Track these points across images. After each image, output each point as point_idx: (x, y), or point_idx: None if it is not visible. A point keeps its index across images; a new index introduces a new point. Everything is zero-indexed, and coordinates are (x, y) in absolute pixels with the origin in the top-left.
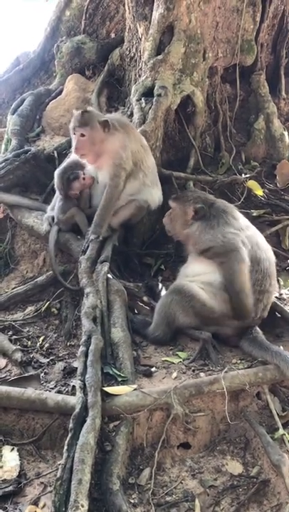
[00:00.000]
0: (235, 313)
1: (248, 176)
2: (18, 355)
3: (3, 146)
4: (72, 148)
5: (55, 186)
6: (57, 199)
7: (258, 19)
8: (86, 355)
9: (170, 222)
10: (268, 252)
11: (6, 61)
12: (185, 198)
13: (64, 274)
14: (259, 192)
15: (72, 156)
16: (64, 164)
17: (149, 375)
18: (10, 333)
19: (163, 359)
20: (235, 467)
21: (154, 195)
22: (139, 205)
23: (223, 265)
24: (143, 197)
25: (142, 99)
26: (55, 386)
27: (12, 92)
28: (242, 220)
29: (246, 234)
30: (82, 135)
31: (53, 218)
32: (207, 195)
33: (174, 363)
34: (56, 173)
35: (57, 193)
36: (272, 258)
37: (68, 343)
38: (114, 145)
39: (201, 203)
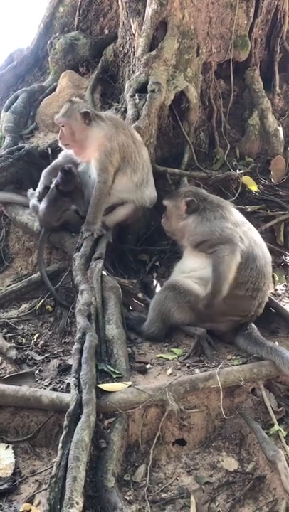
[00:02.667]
0: (208, 298)
1: (242, 171)
2: (12, 353)
3: None
4: (58, 140)
5: (40, 184)
6: (44, 199)
7: (251, 14)
8: (81, 352)
9: (166, 220)
10: (263, 250)
11: None
12: (176, 194)
13: (58, 272)
14: (253, 188)
15: (61, 155)
16: (52, 163)
17: (144, 371)
18: (4, 330)
19: (158, 356)
20: (230, 463)
21: (147, 194)
22: (136, 206)
23: (213, 253)
24: (139, 198)
25: (136, 95)
26: (50, 383)
27: (6, 89)
28: (237, 215)
29: (242, 229)
30: (63, 125)
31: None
32: (199, 190)
33: (168, 360)
34: (45, 171)
35: (37, 190)
36: (268, 256)
37: (63, 340)
38: (98, 135)
39: (191, 196)
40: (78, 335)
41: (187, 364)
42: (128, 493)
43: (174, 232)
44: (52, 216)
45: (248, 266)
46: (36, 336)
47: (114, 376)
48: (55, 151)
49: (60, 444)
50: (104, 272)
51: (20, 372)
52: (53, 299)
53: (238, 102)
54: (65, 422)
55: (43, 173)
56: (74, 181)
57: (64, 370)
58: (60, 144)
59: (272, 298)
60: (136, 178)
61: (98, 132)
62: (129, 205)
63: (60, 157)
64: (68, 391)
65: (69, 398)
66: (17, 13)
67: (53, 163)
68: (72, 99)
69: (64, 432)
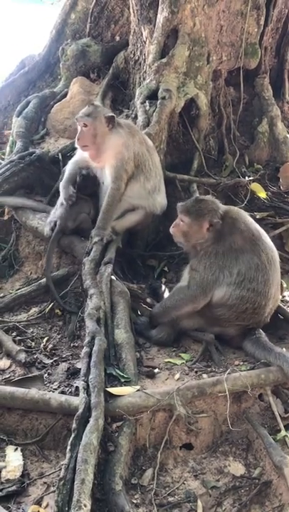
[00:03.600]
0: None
1: (251, 178)
2: (22, 356)
3: (8, 148)
4: (76, 140)
5: (61, 194)
6: (60, 205)
7: (262, 23)
8: (90, 356)
9: (180, 234)
10: (275, 259)
11: (11, 64)
12: (199, 212)
13: (68, 276)
14: (262, 194)
15: (70, 162)
16: (66, 175)
17: (152, 376)
18: (14, 334)
19: (166, 360)
20: (237, 468)
21: (159, 201)
22: (146, 213)
23: None
24: (150, 205)
25: (146, 102)
26: (59, 387)
27: (17, 95)
28: (253, 226)
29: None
30: (85, 125)
31: (55, 223)
32: (218, 204)
33: (176, 365)
34: (61, 185)
35: (60, 199)
36: (278, 265)
37: (72, 344)
38: (117, 142)
39: (216, 216)
40: (87, 339)
41: (195, 369)
42: (135, 497)
43: (186, 245)
44: (68, 217)
45: (261, 274)
46: (45, 339)
47: (123, 380)
48: (66, 156)
49: (68, 447)
50: (113, 277)
51: (30, 376)
52: (63, 302)
53: (247, 110)
54: (74, 425)
55: (61, 187)
56: (92, 185)
57: (73, 373)
58: (76, 145)
59: (281, 305)
60: (149, 185)
61: (117, 139)
62: (140, 211)
63: (70, 165)
64: (77, 394)
65: (77, 401)
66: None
67: (66, 175)
68: (94, 103)
69: (72, 435)
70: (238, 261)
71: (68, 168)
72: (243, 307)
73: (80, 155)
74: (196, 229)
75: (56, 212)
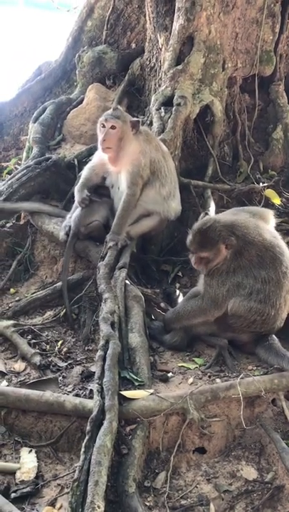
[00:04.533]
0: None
1: (265, 184)
2: (36, 359)
3: (24, 154)
4: (99, 141)
5: (76, 197)
6: (76, 209)
7: (277, 30)
8: (104, 359)
9: (205, 268)
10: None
11: (28, 70)
12: (212, 241)
13: (82, 280)
14: (276, 201)
15: (87, 167)
16: (82, 180)
17: (165, 380)
18: (29, 337)
19: (179, 365)
20: (250, 472)
21: (173, 207)
22: (161, 219)
23: None
24: (165, 210)
25: (162, 108)
26: (73, 389)
27: (34, 101)
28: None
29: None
30: (113, 127)
31: (70, 228)
32: (222, 221)
33: (190, 369)
34: (76, 189)
35: (76, 203)
36: None
37: (86, 348)
38: (134, 149)
39: (226, 235)
40: (102, 342)
41: (208, 373)
42: (148, 499)
43: (210, 270)
44: (82, 221)
45: (252, 298)
46: (60, 342)
47: (137, 384)
48: (82, 162)
49: (82, 449)
50: (127, 281)
51: (44, 378)
52: (77, 306)
53: (262, 116)
54: (88, 428)
55: (76, 191)
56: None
57: (87, 376)
58: (100, 145)
59: None
60: (164, 191)
61: (135, 146)
62: (155, 217)
63: (86, 170)
64: (91, 397)
65: (92, 404)
66: (46, 26)
67: (82, 179)
68: (118, 107)
69: (87, 437)
70: (247, 275)
71: (84, 173)
72: (251, 318)
73: (97, 160)
74: (216, 255)
75: (71, 216)
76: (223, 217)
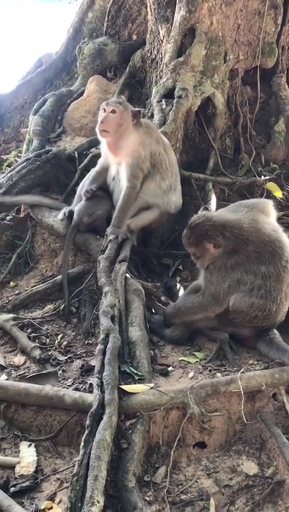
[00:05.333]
0: None
1: (267, 177)
2: (36, 353)
3: (24, 146)
4: (98, 124)
5: (81, 188)
6: (77, 199)
7: (279, 22)
8: (104, 353)
9: (199, 263)
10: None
11: (28, 62)
12: (197, 240)
13: (82, 273)
14: (278, 194)
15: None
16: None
17: (165, 374)
18: (29, 330)
19: (180, 359)
20: (250, 467)
21: (174, 200)
22: (161, 212)
23: None
24: (165, 204)
25: (163, 100)
26: (73, 383)
27: (34, 93)
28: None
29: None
30: (114, 112)
31: (70, 212)
32: (210, 217)
33: (190, 363)
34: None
35: (77, 196)
36: None
37: (86, 341)
38: (134, 141)
39: (214, 235)
40: (102, 336)
41: (209, 368)
42: (148, 494)
43: (204, 266)
44: (85, 211)
45: (253, 294)
46: (60, 336)
47: (137, 378)
48: (82, 154)
49: (82, 443)
50: (128, 275)
51: (44, 372)
52: (78, 300)
53: (264, 109)
54: (88, 422)
55: (84, 183)
56: None
57: (87, 370)
58: (97, 128)
59: None
60: (164, 184)
61: (135, 138)
62: (155, 210)
63: (97, 165)
64: (91, 391)
65: (91, 398)
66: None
67: (92, 173)
68: (122, 96)
69: (86, 432)
70: (247, 271)
71: (96, 168)
72: (253, 314)
73: (104, 155)
74: (204, 253)
75: (74, 205)
76: (216, 216)
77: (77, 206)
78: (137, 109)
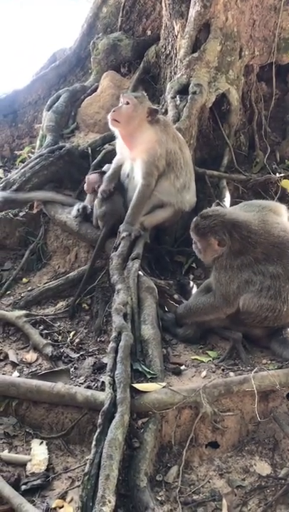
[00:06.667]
0: None
1: (282, 175)
2: (48, 350)
3: (38, 142)
4: (110, 112)
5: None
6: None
7: None
8: (116, 351)
9: (199, 252)
10: None
11: (43, 57)
12: (203, 230)
13: (95, 271)
14: None
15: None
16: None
17: (178, 373)
18: (41, 327)
19: (192, 357)
20: (263, 468)
21: (188, 199)
22: (175, 210)
23: None
24: (179, 202)
25: (177, 96)
26: (85, 381)
27: (48, 89)
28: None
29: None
30: (128, 103)
31: (84, 208)
32: (223, 214)
33: (203, 362)
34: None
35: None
36: None
37: (98, 339)
38: (151, 138)
39: (220, 232)
40: (114, 334)
41: (222, 367)
42: (160, 494)
43: (205, 261)
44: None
45: (262, 295)
46: (72, 333)
47: (149, 376)
48: (95, 151)
49: (93, 442)
50: (140, 272)
51: (56, 369)
52: (90, 297)
53: (279, 105)
54: (99, 420)
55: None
56: None
57: (99, 368)
58: (109, 116)
59: None
60: (178, 183)
61: (151, 135)
62: (169, 208)
63: (113, 163)
64: (103, 389)
65: (103, 396)
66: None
67: (110, 171)
68: (143, 92)
69: (98, 430)
70: (255, 271)
71: (112, 166)
72: (263, 315)
73: (119, 152)
74: (206, 246)
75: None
76: (229, 214)
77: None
78: (155, 107)
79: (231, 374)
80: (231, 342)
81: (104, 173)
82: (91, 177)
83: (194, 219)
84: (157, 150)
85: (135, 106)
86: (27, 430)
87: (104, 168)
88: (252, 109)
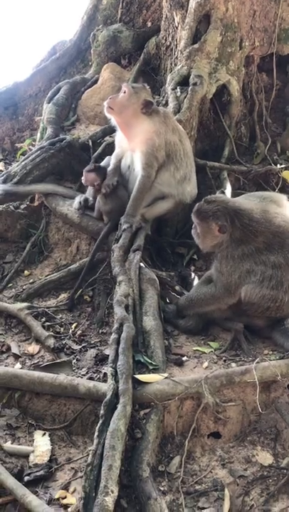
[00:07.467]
0: None
1: (283, 166)
2: (50, 342)
3: (38, 135)
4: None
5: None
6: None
7: None
8: (118, 342)
9: (198, 237)
10: None
11: (42, 50)
12: (205, 214)
13: (97, 262)
14: None
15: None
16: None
17: (180, 364)
18: (43, 319)
19: (194, 348)
20: (265, 458)
21: (188, 190)
22: (176, 202)
23: None
24: (179, 194)
25: (178, 88)
26: (87, 373)
27: (48, 81)
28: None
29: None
30: (125, 92)
31: (85, 201)
32: (227, 201)
33: (205, 353)
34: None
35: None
36: None
37: (100, 331)
38: (148, 128)
39: (222, 218)
40: (116, 325)
41: (223, 358)
42: (162, 484)
43: (204, 247)
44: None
45: (264, 285)
46: (74, 325)
47: (151, 367)
48: (96, 143)
49: (96, 433)
50: (142, 264)
51: (58, 361)
52: (92, 289)
53: (280, 96)
54: (102, 411)
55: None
56: None
57: (101, 359)
58: (105, 103)
59: None
60: (178, 175)
61: (149, 126)
62: (170, 200)
63: (112, 158)
64: (105, 381)
65: (106, 388)
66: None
67: (111, 166)
68: (145, 84)
69: (100, 421)
70: (256, 261)
71: (112, 161)
72: (265, 305)
73: (118, 144)
74: (206, 231)
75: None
76: (232, 202)
77: (98, 201)
78: (149, 99)
79: (233, 365)
80: (233, 333)
81: (99, 168)
82: (89, 176)
83: (198, 203)
84: (156, 141)
85: (130, 95)
86: (30, 421)
87: (105, 160)
88: (252, 100)
